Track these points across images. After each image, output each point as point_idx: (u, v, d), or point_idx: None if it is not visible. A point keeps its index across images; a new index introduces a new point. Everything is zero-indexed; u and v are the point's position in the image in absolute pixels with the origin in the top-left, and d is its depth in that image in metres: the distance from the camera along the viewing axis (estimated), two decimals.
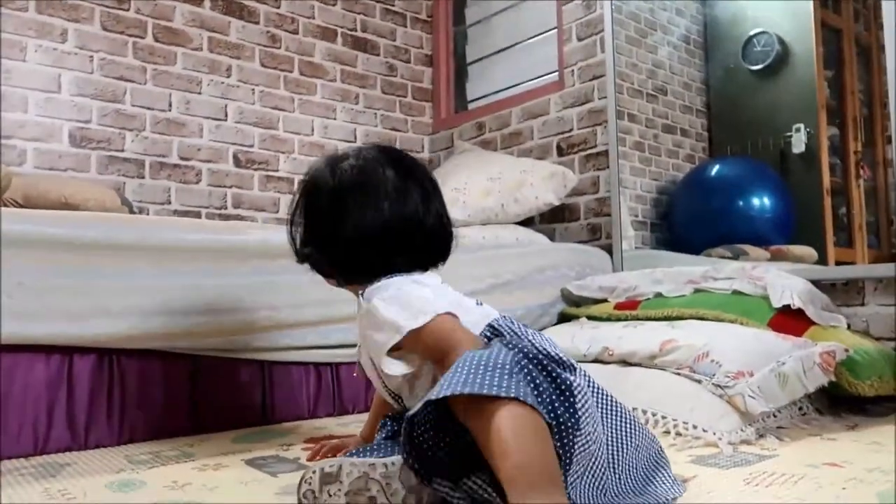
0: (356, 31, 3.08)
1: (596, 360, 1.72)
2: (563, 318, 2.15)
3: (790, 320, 1.70)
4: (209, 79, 2.65)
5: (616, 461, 0.91)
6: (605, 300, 2.09)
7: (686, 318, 1.78)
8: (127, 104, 2.47)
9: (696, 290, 1.93)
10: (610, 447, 0.91)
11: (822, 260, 2.23)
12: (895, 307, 1.83)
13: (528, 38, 2.95)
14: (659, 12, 2.71)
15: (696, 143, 2.83)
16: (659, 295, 1.97)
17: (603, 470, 0.88)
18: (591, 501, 0.83)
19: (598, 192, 2.53)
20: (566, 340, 1.82)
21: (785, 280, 1.79)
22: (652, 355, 1.59)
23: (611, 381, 1.59)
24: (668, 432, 1.39)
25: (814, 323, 1.69)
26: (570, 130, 2.63)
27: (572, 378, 0.86)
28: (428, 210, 1.07)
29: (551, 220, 2.65)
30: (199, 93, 2.63)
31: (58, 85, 2.34)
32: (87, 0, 2.40)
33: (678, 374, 1.52)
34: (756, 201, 2.57)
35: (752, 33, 2.60)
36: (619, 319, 1.93)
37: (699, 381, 1.46)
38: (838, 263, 2.20)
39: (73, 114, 2.36)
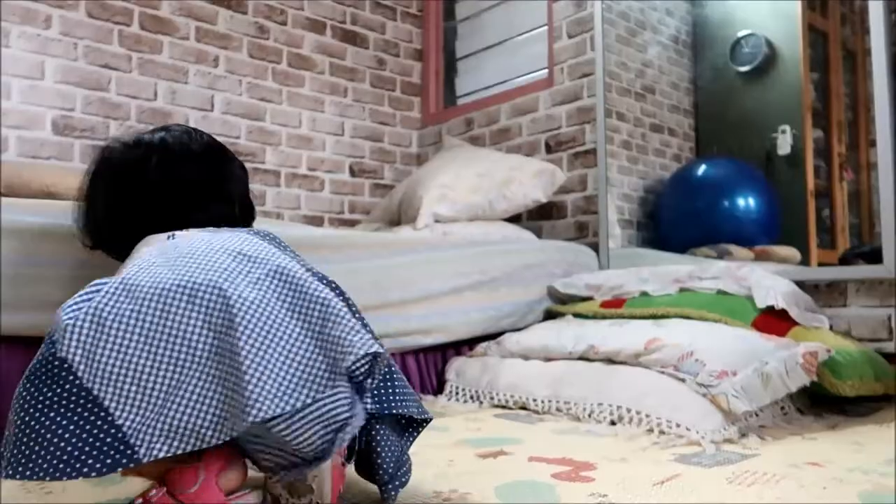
0: (346, 23, 3.06)
1: (581, 358, 1.73)
2: (550, 316, 2.15)
3: (774, 320, 1.72)
4: (196, 69, 2.62)
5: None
6: (591, 298, 2.10)
7: (671, 317, 1.79)
8: (112, 93, 2.43)
9: (682, 290, 1.94)
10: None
11: (806, 261, 2.25)
12: (895, 308, 1.85)
13: (518, 35, 2.95)
14: (649, 12, 2.72)
15: (684, 143, 2.84)
16: (645, 294, 1.98)
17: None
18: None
19: (585, 191, 2.53)
20: (552, 338, 1.83)
21: (769, 281, 1.81)
22: (637, 354, 1.59)
23: (596, 379, 1.61)
24: (651, 430, 1.40)
25: (797, 323, 1.71)
26: (559, 128, 2.63)
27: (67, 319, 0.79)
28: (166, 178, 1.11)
29: (539, 218, 2.66)
30: (186, 83, 2.60)
31: (41, 72, 2.30)
32: None
33: (663, 372, 1.53)
34: (741, 202, 2.58)
35: (740, 35, 2.62)
36: (605, 317, 1.94)
37: (683, 380, 1.47)
38: (821, 265, 2.22)
39: (56, 101, 2.33)
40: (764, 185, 2.53)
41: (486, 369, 1.86)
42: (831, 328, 1.81)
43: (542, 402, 1.67)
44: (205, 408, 0.76)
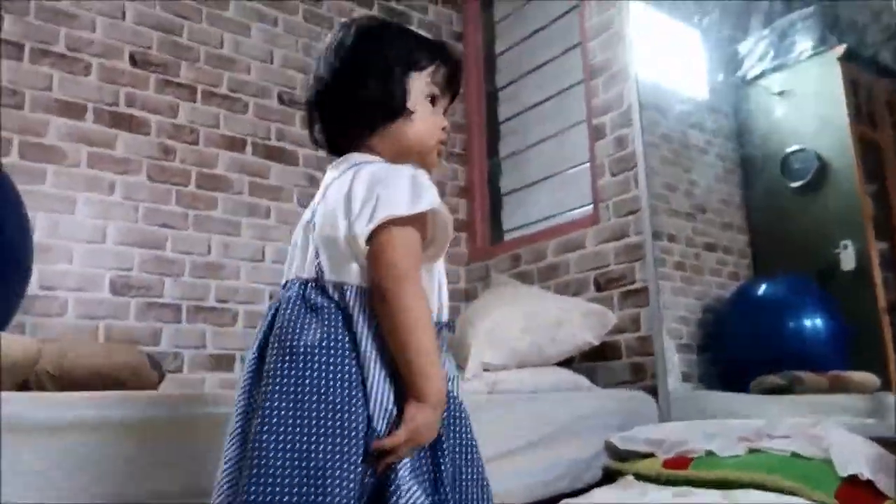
0: None
1: None
2: (608, 474, 2.03)
3: (860, 492, 1.56)
4: (248, 221, 2.70)
5: None
6: (652, 454, 1.97)
7: (743, 485, 1.65)
8: (167, 250, 2.52)
9: (751, 450, 1.80)
10: None
11: (885, 385, 2.09)
12: None
13: (562, 171, 2.96)
14: (693, 133, 2.74)
15: (740, 261, 2.79)
16: (710, 453, 1.84)
17: None
18: None
19: (639, 331, 2.44)
20: None
21: (849, 443, 1.66)
22: None
23: None
24: None
25: (888, 497, 1.55)
26: (608, 265, 2.58)
27: None
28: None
29: (593, 359, 2.56)
30: (238, 235, 2.68)
31: (103, 236, 2.40)
32: (138, 154, 2.51)
33: None
34: (808, 322, 2.47)
35: (789, 150, 2.60)
36: (668, 480, 1.81)
37: None
38: None
39: (115, 262, 2.41)
40: (830, 303, 2.42)
41: None
42: None
43: None
44: None
